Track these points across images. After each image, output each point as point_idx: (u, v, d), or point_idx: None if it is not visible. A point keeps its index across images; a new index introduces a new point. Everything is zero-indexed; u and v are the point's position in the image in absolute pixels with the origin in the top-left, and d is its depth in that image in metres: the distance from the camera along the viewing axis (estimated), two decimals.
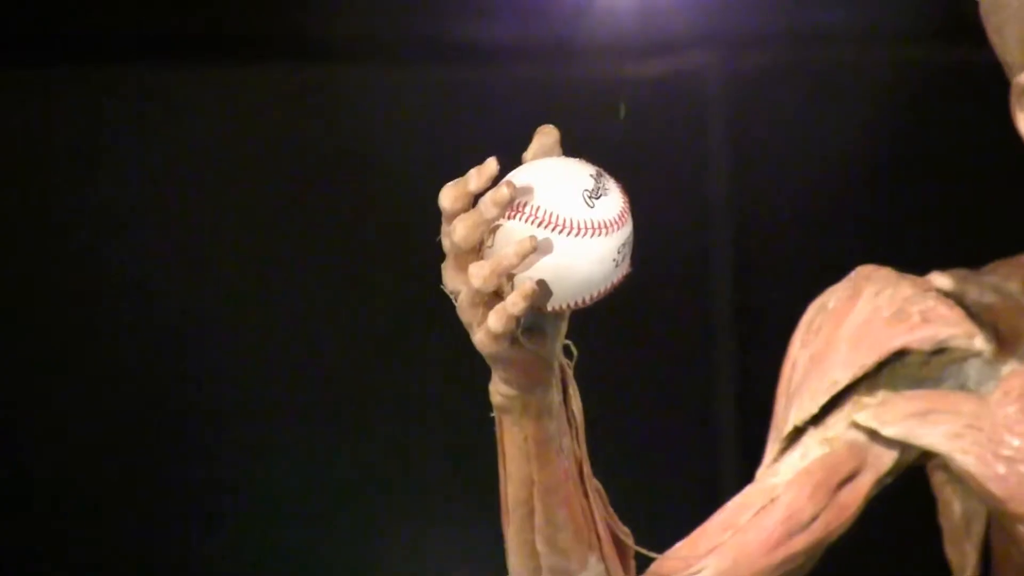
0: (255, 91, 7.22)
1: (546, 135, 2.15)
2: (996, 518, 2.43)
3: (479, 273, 2.10)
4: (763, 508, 2.39)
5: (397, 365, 6.63)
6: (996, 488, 2.37)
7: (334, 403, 6.97)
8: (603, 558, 2.29)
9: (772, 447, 2.43)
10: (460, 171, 2.21)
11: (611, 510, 2.32)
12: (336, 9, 8.01)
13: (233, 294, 7.20)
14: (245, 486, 7.20)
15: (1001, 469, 2.37)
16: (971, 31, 2.39)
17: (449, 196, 2.12)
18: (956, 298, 2.42)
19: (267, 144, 7.21)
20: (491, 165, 2.10)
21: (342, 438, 6.90)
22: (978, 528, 2.47)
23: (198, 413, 7.17)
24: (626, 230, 2.15)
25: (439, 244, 2.17)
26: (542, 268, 2.13)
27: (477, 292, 2.11)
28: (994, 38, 2.36)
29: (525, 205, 2.13)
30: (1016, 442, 2.37)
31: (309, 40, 7.77)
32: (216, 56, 7.68)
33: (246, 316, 7.14)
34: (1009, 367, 2.40)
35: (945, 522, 2.51)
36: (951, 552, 2.50)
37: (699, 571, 2.39)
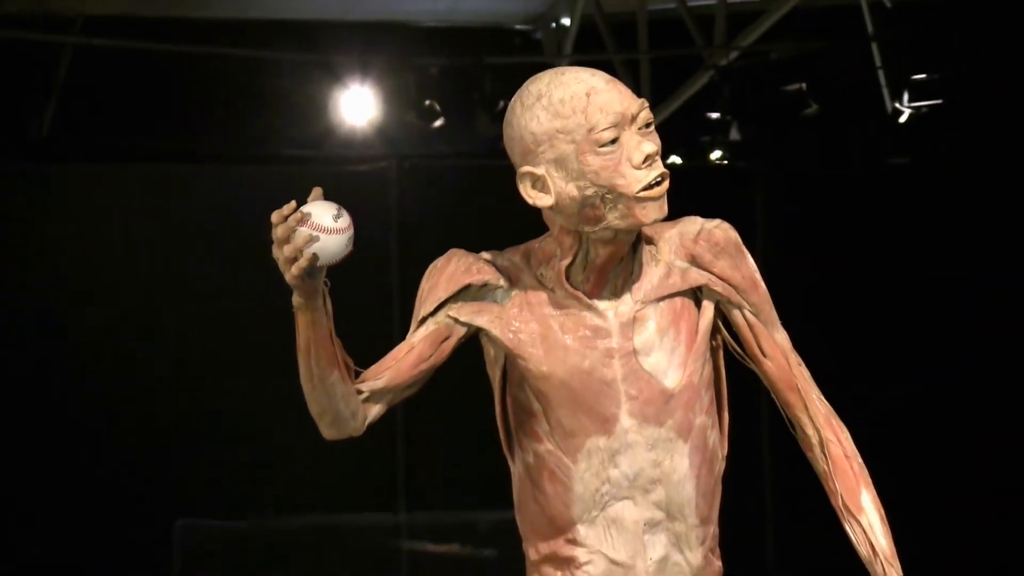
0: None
1: (317, 191, 2.27)
2: (510, 357, 2.46)
3: (289, 249, 2.22)
4: (410, 350, 2.44)
5: None
6: (509, 343, 2.43)
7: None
8: (340, 370, 2.36)
9: (413, 327, 2.45)
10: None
11: (343, 350, 2.37)
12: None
13: None
14: None
15: (510, 335, 2.43)
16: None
17: (275, 216, 2.23)
18: (491, 263, 2.47)
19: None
20: (291, 204, 2.23)
21: None
22: (501, 361, 2.48)
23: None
24: (351, 232, 2.26)
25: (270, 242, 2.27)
26: (315, 247, 2.23)
27: (287, 258, 2.23)
28: (509, 153, 2.42)
29: (308, 220, 2.24)
30: (516, 324, 2.43)
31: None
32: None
33: None
34: (514, 293, 2.45)
35: (487, 358, 2.51)
36: (490, 372, 2.51)
37: (381, 376, 2.42)
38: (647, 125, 2.38)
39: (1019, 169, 7.19)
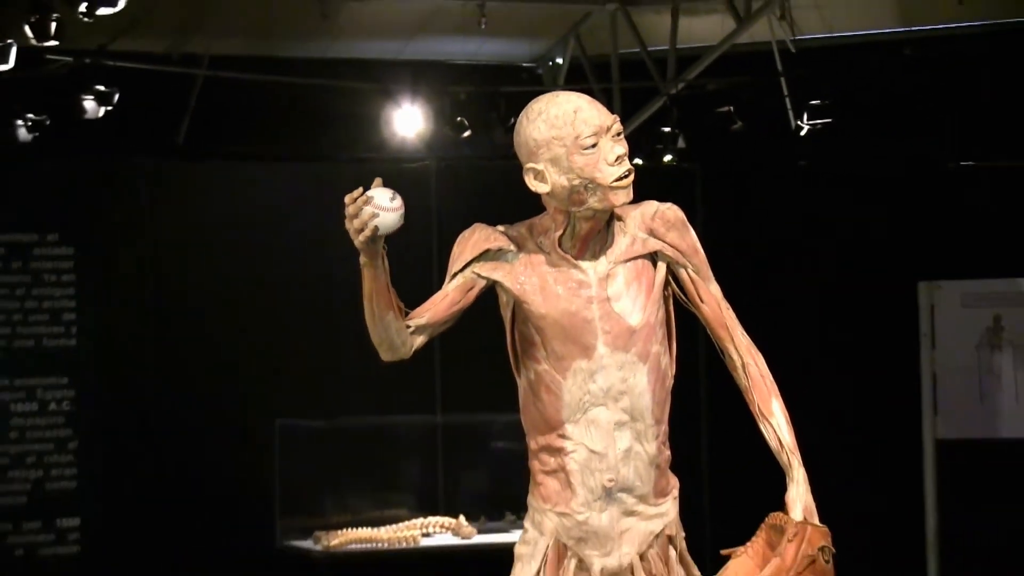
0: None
1: (378, 180, 2.24)
2: (517, 302, 2.43)
3: (358, 222, 2.20)
4: (445, 296, 2.41)
5: None
6: (517, 292, 2.41)
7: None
8: (394, 311, 2.33)
9: (447, 280, 2.42)
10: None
11: (397, 296, 2.34)
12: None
13: None
14: None
15: (518, 286, 2.41)
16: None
17: (348, 198, 2.20)
18: (504, 233, 2.44)
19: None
20: (359, 189, 2.21)
21: None
22: (511, 305, 2.45)
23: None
24: (403, 210, 2.23)
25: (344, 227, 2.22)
26: (376, 221, 2.20)
27: (356, 229, 2.20)
28: (518, 154, 2.39)
29: (371, 201, 2.21)
30: (522, 278, 2.41)
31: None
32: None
33: None
34: (521, 255, 2.43)
35: (501, 302, 2.47)
36: (503, 313, 2.46)
37: (423, 315, 2.39)
38: (618, 134, 2.37)
39: (893, 173, 7.21)
